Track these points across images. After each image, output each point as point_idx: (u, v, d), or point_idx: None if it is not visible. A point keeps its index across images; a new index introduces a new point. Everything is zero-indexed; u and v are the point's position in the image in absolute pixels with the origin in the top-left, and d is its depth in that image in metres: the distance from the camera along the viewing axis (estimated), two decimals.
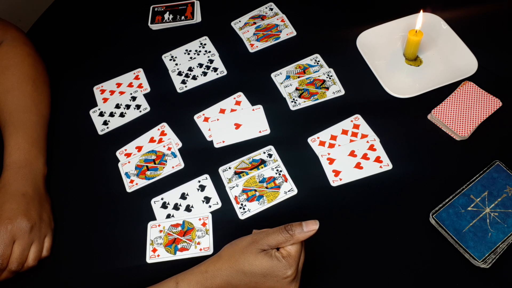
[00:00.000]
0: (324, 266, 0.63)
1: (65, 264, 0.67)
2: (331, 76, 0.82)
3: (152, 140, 0.78)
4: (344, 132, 0.75)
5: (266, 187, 0.71)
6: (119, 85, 0.86)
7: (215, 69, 0.86)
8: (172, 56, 0.89)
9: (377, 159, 0.71)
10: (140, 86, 0.86)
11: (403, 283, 0.61)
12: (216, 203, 0.70)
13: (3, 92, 0.75)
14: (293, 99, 0.80)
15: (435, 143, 0.73)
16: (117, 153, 0.78)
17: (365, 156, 0.72)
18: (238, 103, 0.81)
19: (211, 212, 0.70)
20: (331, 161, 0.72)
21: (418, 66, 0.82)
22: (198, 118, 0.80)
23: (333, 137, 0.75)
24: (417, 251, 0.63)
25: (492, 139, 0.72)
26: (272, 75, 0.84)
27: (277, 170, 0.72)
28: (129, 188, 0.73)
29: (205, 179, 0.73)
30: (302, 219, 0.54)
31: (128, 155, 0.77)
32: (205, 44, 0.90)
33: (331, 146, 0.74)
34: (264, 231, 0.54)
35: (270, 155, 0.74)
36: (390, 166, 0.71)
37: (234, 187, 0.71)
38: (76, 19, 1.00)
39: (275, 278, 0.52)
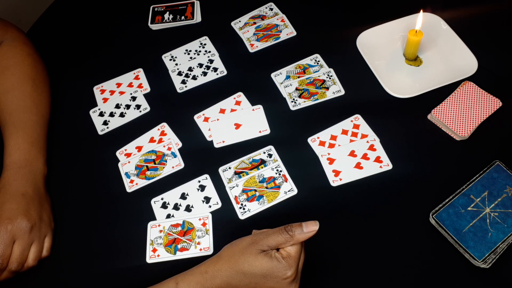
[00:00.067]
0: (324, 266, 0.63)
1: (65, 264, 0.67)
2: (331, 76, 0.82)
3: (152, 140, 0.78)
4: (344, 132, 0.75)
5: (266, 187, 0.71)
6: (119, 85, 0.86)
7: (215, 69, 0.86)
8: (172, 56, 0.89)
9: (377, 159, 0.71)
10: (140, 86, 0.86)
11: (403, 283, 0.61)
12: (216, 203, 0.70)
13: (3, 92, 0.75)
14: (293, 99, 0.80)
15: (435, 143, 0.73)
16: (117, 153, 0.78)
17: (365, 156, 0.72)
18: (238, 103, 0.81)
19: (211, 212, 0.70)
20: (331, 161, 0.72)
21: (418, 66, 0.82)
22: (198, 118, 0.80)
23: (333, 137, 0.75)
24: (417, 251, 0.63)
25: (492, 139, 0.72)
26: (272, 75, 0.84)
27: (277, 170, 0.72)
28: (129, 188, 0.73)
29: (205, 179, 0.73)
30: (302, 219, 0.54)
31: (128, 155, 0.77)
32: (205, 44, 0.90)
33: (331, 146, 0.74)
34: (264, 232, 0.54)
35: (270, 155, 0.74)
36: (390, 166, 0.71)
37: (234, 187, 0.71)
38: (76, 19, 1.00)
39: (275, 279, 0.52)
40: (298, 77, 0.82)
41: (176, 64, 0.88)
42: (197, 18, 0.94)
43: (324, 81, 0.81)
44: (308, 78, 0.82)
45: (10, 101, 0.75)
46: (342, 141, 0.74)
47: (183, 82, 0.85)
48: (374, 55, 0.83)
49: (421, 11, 0.80)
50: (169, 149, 0.77)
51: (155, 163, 0.75)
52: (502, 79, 0.78)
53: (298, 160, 0.73)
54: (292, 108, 0.79)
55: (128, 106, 0.83)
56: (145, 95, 0.84)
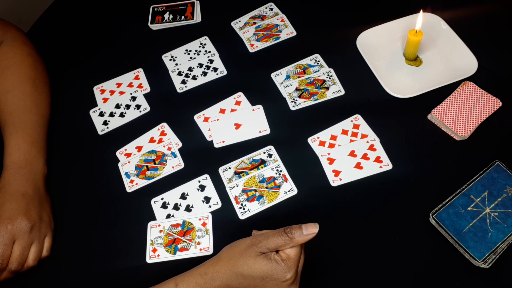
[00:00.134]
0: (324, 266, 0.63)
1: (65, 264, 0.67)
2: (331, 76, 0.82)
3: (152, 140, 0.78)
4: (344, 132, 0.75)
5: (266, 187, 0.71)
6: (119, 85, 0.86)
7: (215, 69, 0.86)
8: (172, 56, 0.89)
9: (377, 159, 0.71)
10: (140, 86, 0.86)
11: (403, 283, 0.61)
12: (216, 203, 0.70)
13: (3, 92, 0.75)
14: (293, 99, 0.80)
15: (435, 143, 0.73)
16: (117, 153, 0.78)
17: (365, 156, 0.72)
18: (238, 103, 0.81)
19: (211, 212, 0.70)
20: (331, 161, 0.72)
21: (418, 66, 0.82)
22: (198, 118, 0.80)
23: (333, 137, 0.75)
24: (417, 251, 0.63)
25: (492, 139, 0.72)
26: (272, 75, 0.84)
27: (277, 170, 0.72)
28: (129, 188, 0.73)
29: (205, 179, 0.73)
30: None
31: (128, 155, 0.77)
32: (205, 44, 0.90)
33: (331, 146, 0.74)
34: (263, 234, 0.53)
35: (270, 155, 0.74)
36: (390, 166, 0.71)
37: (234, 187, 0.71)
38: (76, 19, 1.00)
39: (274, 281, 0.52)
40: (298, 77, 0.82)
41: (176, 64, 0.88)
42: (197, 18, 0.94)
43: (324, 81, 0.81)
44: (308, 78, 0.82)
45: (10, 101, 0.75)
46: (342, 141, 0.74)
47: (183, 82, 0.85)
48: (374, 55, 0.83)
49: (421, 11, 0.80)
50: (169, 149, 0.77)
51: (155, 163, 0.75)
52: (502, 79, 0.78)
53: (298, 160, 0.73)
54: (292, 108, 0.79)
55: (128, 106, 0.83)
56: (145, 95, 0.84)
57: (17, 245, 0.63)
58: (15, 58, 0.78)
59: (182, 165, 0.75)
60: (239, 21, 0.93)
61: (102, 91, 0.86)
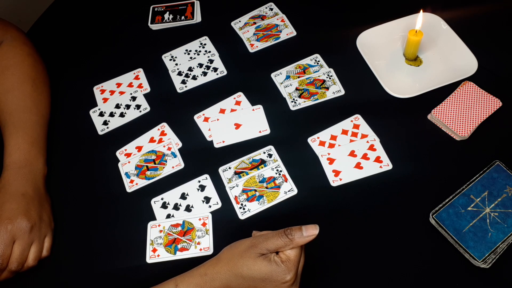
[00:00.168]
0: (323, 266, 0.63)
1: (65, 264, 0.67)
2: (331, 76, 0.82)
3: (152, 140, 0.78)
4: (344, 132, 0.75)
5: (266, 187, 0.71)
6: (119, 85, 0.86)
7: (215, 69, 0.86)
8: (172, 56, 0.89)
9: (377, 159, 0.71)
10: (140, 86, 0.86)
11: (403, 283, 0.61)
12: (216, 203, 0.70)
13: (3, 92, 0.75)
14: (293, 99, 0.80)
15: (435, 143, 0.73)
16: (117, 153, 0.78)
17: (365, 156, 0.72)
18: (238, 103, 0.81)
19: (211, 212, 0.70)
20: (331, 161, 0.72)
21: (418, 66, 0.82)
22: (198, 118, 0.80)
23: (333, 137, 0.75)
24: (417, 251, 0.63)
25: (492, 139, 0.72)
26: (272, 75, 0.84)
27: (277, 170, 0.72)
28: (129, 188, 0.73)
29: (205, 179, 0.73)
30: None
31: (128, 155, 0.77)
32: (205, 44, 0.90)
33: (331, 146, 0.74)
34: (263, 235, 0.53)
35: (270, 155, 0.74)
36: (390, 166, 0.71)
37: (234, 187, 0.71)
38: (76, 19, 1.00)
39: (274, 283, 0.52)
40: (298, 77, 0.82)
41: (176, 64, 0.88)
42: (197, 18, 0.94)
43: (324, 81, 0.81)
44: (308, 78, 0.82)
45: (10, 101, 0.75)
46: (342, 141, 0.74)
47: (183, 82, 0.85)
48: (374, 55, 0.83)
49: (421, 11, 0.80)
50: (169, 149, 0.77)
51: (155, 163, 0.75)
52: (502, 79, 0.78)
53: (298, 160, 0.73)
54: (292, 108, 0.79)
55: (128, 106, 0.83)
56: (145, 95, 0.84)
57: (17, 245, 0.63)
58: (15, 58, 0.78)
59: (182, 165, 0.75)
60: (239, 21, 0.93)
61: (102, 91, 0.86)
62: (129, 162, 0.76)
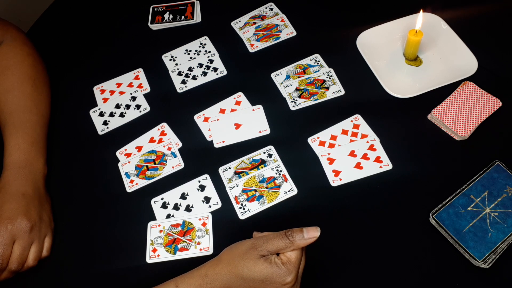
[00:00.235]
0: (323, 266, 0.63)
1: (65, 264, 0.67)
2: (331, 76, 0.82)
3: (152, 140, 0.78)
4: (344, 132, 0.75)
5: (266, 187, 0.71)
6: (119, 85, 0.86)
7: (215, 69, 0.86)
8: (172, 56, 0.89)
9: (377, 159, 0.71)
10: (140, 86, 0.86)
11: (403, 283, 0.61)
12: (216, 203, 0.70)
13: (3, 92, 0.75)
14: (293, 99, 0.80)
15: (435, 143, 0.73)
16: (117, 153, 0.78)
17: (365, 156, 0.72)
18: (238, 103, 0.81)
19: (211, 212, 0.70)
20: (331, 161, 0.72)
21: (418, 66, 0.82)
22: (198, 118, 0.80)
23: (333, 137, 0.75)
24: (417, 251, 0.63)
25: (492, 139, 0.72)
26: (272, 75, 0.84)
27: (277, 170, 0.72)
28: (129, 188, 0.73)
29: (205, 179, 0.73)
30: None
31: (128, 155, 0.77)
32: (205, 44, 0.90)
33: (331, 146, 0.74)
34: (264, 236, 0.53)
35: (270, 155, 0.74)
36: (390, 166, 0.71)
37: (234, 187, 0.71)
38: (76, 19, 1.00)
39: (274, 284, 0.51)
40: (298, 77, 0.82)
41: (176, 64, 0.88)
42: (197, 18, 0.94)
43: (324, 81, 0.81)
44: (308, 78, 0.82)
45: (10, 101, 0.75)
46: (342, 141, 0.74)
47: (183, 82, 0.85)
48: (374, 55, 0.83)
49: (421, 11, 0.80)
50: (169, 149, 0.77)
51: (155, 163, 0.75)
52: (502, 79, 0.78)
53: (298, 160, 0.73)
54: (292, 108, 0.79)
55: (128, 106, 0.83)
56: (145, 95, 0.84)
57: (17, 245, 0.63)
58: (15, 58, 0.78)
59: (182, 165, 0.75)
60: (239, 21, 0.93)
61: (102, 91, 0.86)
62: (129, 162, 0.76)
